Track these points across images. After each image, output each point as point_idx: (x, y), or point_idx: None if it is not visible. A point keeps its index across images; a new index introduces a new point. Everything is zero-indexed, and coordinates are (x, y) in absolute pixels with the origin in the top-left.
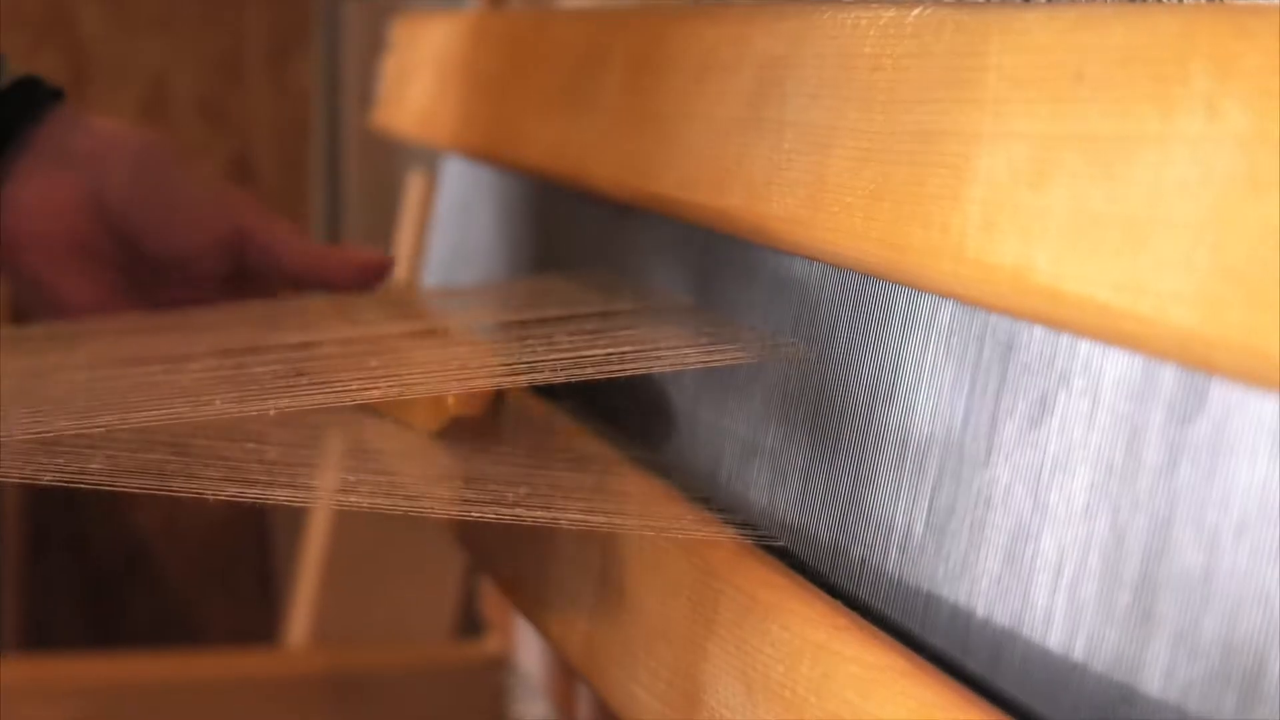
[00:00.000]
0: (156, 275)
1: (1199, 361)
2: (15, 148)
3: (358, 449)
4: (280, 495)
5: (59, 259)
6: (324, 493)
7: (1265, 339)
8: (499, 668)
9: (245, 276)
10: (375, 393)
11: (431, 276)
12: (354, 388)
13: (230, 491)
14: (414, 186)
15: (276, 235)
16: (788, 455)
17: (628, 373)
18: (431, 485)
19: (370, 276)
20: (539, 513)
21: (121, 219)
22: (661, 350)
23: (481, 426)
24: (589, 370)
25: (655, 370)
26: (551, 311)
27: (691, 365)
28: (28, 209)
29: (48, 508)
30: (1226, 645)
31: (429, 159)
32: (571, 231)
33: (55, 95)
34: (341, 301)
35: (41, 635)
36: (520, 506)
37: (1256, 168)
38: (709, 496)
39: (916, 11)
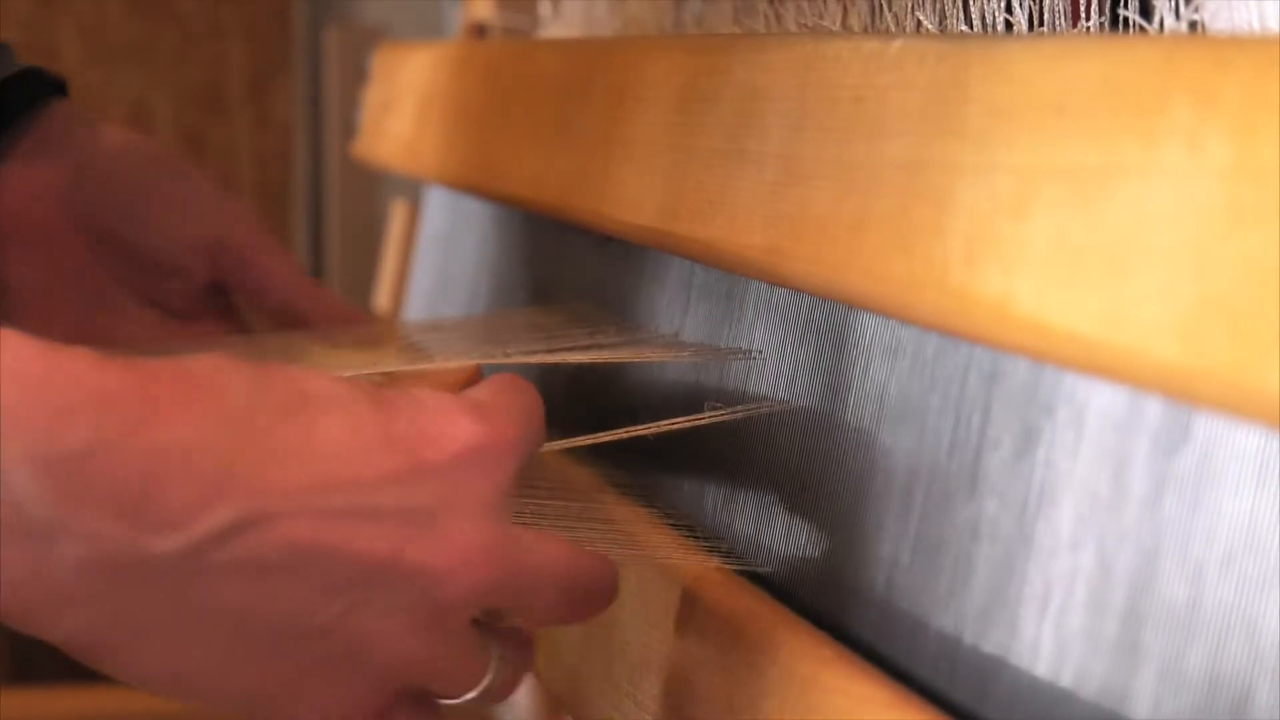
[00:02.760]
0: (130, 275)
1: (1181, 393)
2: (12, 132)
3: None
4: None
5: (20, 239)
6: None
7: (1247, 371)
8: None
9: (221, 294)
10: None
11: (414, 307)
12: None
13: None
14: (397, 216)
15: (262, 256)
16: (774, 485)
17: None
18: None
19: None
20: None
21: (100, 210)
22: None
23: None
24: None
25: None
26: (538, 345)
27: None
28: (5, 188)
29: None
30: (1213, 677)
31: (412, 189)
32: (554, 263)
33: (58, 88)
34: (316, 338)
35: (26, 667)
36: None
37: (1237, 199)
38: (694, 524)
39: (898, 43)
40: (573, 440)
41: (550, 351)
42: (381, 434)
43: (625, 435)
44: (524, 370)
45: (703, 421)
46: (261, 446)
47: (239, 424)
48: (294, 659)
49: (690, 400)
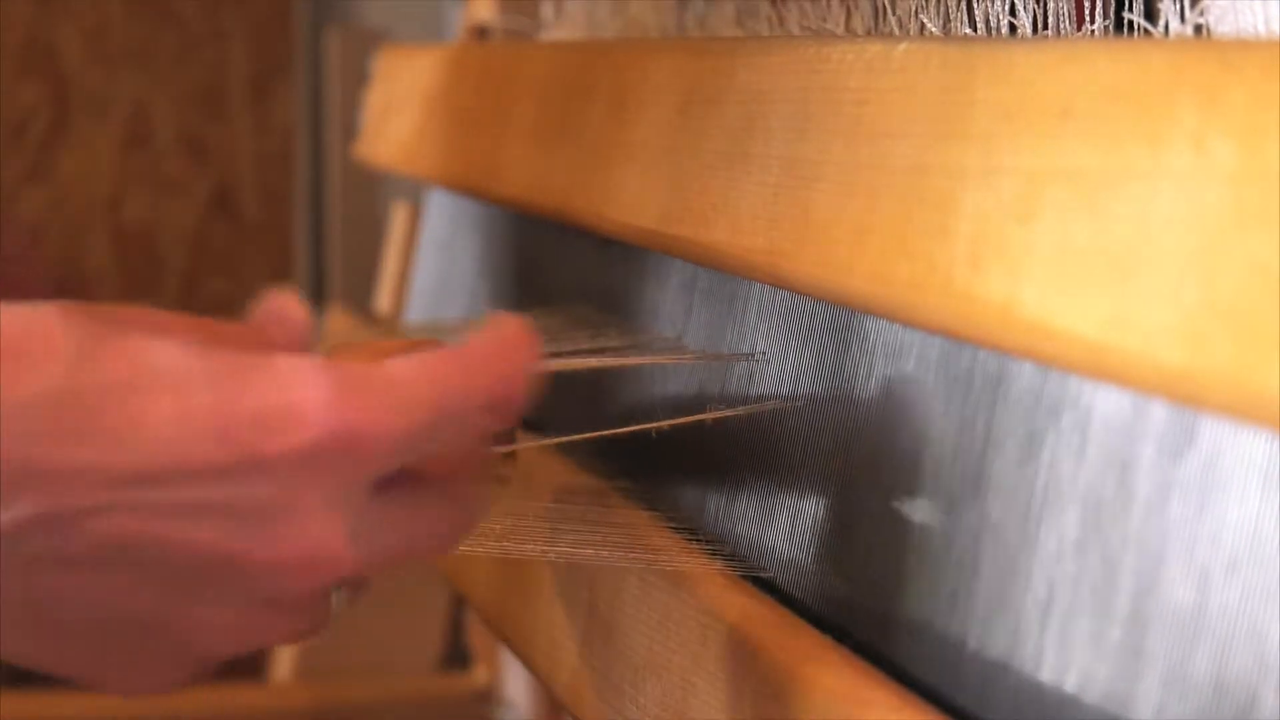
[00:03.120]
0: None
1: (1187, 397)
2: None
3: None
4: None
5: None
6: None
7: (1253, 375)
8: (486, 700)
9: None
10: None
11: (415, 309)
12: None
13: None
14: (398, 218)
15: None
16: (776, 488)
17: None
18: None
19: None
20: (526, 547)
21: None
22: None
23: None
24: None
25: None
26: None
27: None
28: None
29: None
30: (1218, 683)
31: (413, 190)
32: (556, 265)
33: None
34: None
35: (21, 670)
36: (507, 540)
37: (1243, 203)
38: (696, 528)
39: (903, 46)
40: (572, 436)
41: (554, 356)
42: (218, 421)
43: (627, 432)
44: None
45: (706, 420)
46: (79, 429)
47: (55, 402)
48: (113, 644)
49: (693, 402)
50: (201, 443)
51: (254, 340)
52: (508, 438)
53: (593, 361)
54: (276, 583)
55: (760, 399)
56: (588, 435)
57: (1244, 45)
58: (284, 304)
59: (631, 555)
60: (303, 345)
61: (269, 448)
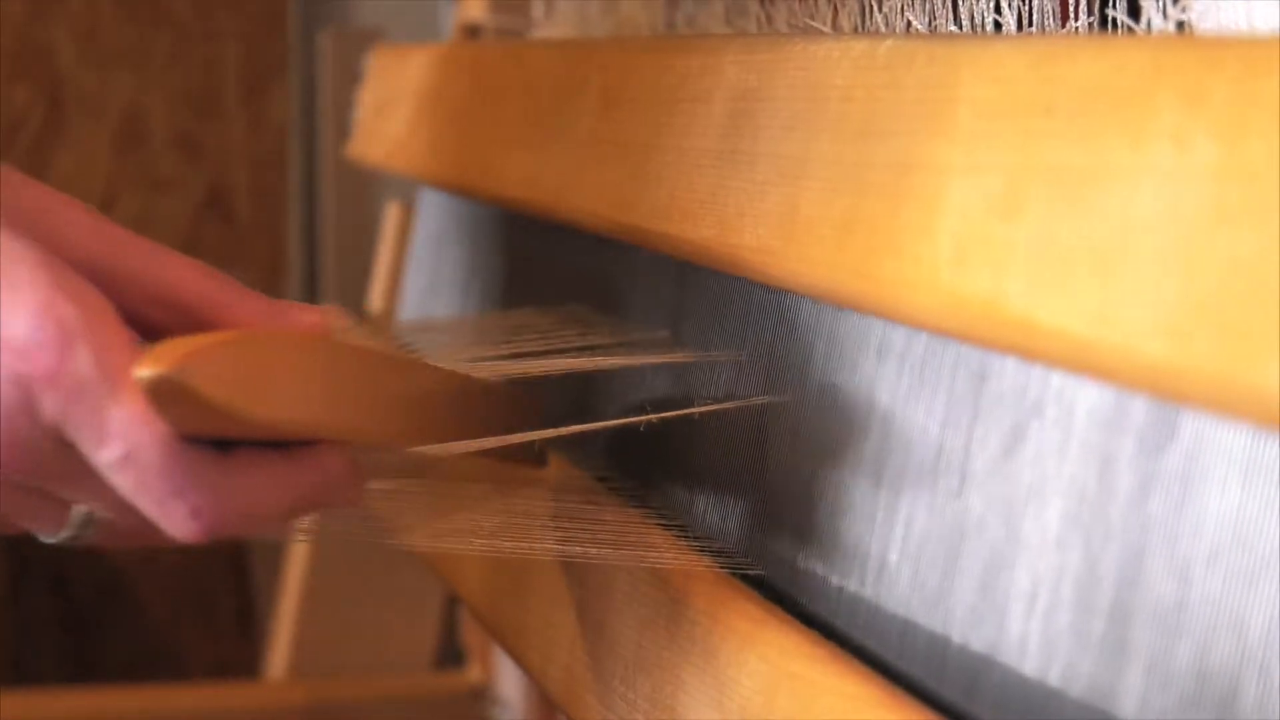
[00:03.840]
0: None
1: (1169, 392)
2: None
3: None
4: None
5: None
6: (300, 525)
7: (1234, 370)
8: (480, 698)
9: None
10: None
11: (408, 308)
12: None
13: None
14: (391, 217)
15: None
16: (764, 485)
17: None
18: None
19: None
20: (516, 544)
21: None
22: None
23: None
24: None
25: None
26: (527, 347)
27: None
28: None
29: (27, 543)
30: (1200, 673)
31: (406, 189)
32: (548, 263)
33: None
34: None
35: (21, 670)
36: (497, 538)
37: (1224, 200)
38: (685, 525)
39: (888, 43)
40: (563, 429)
41: (543, 355)
42: None
43: (616, 425)
44: (517, 378)
45: (693, 414)
46: None
47: None
48: None
49: (680, 398)
50: None
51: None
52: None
53: (579, 364)
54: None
55: (746, 395)
56: (570, 430)
57: (1224, 42)
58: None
59: (621, 551)
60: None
61: None
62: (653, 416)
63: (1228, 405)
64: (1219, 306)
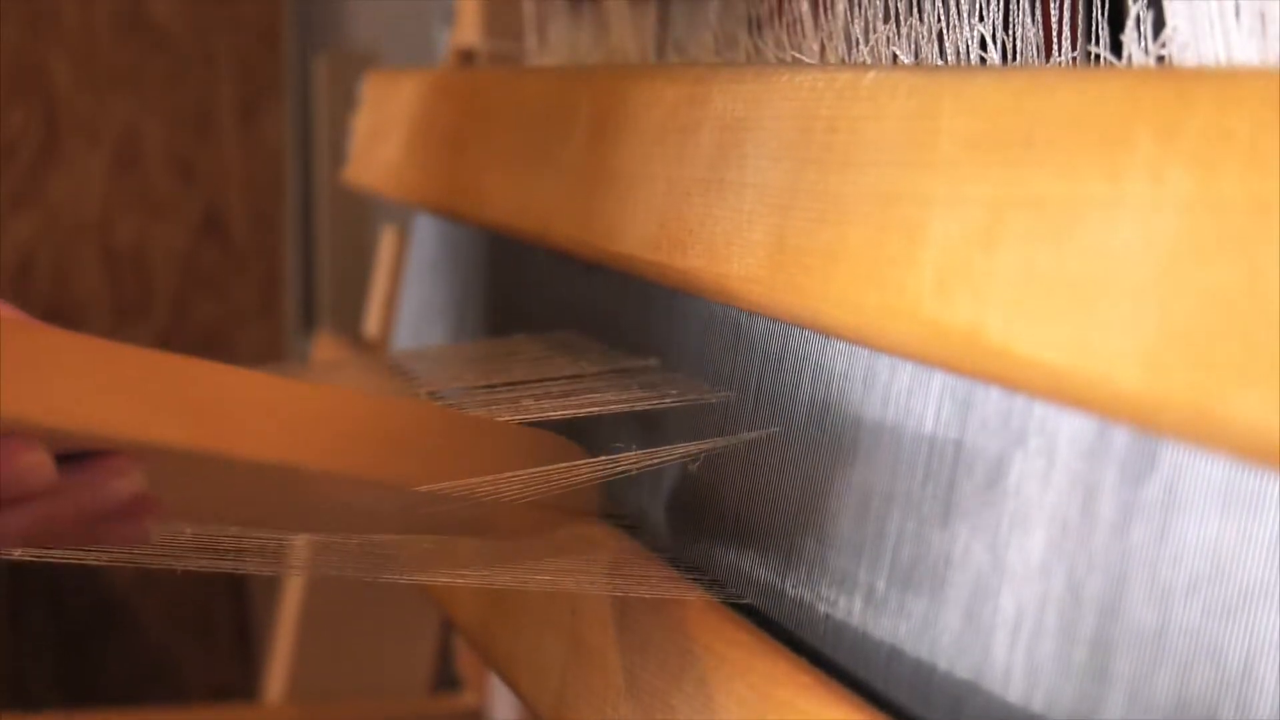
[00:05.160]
0: None
1: (1146, 422)
2: None
3: None
4: (251, 564)
5: None
6: (297, 557)
7: (1210, 401)
8: None
9: None
10: None
11: (403, 332)
12: None
13: (202, 563)
14: (386, 242)
15: None
16: (753, 516)
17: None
18: (399, 548)
19: None
20: (508, 577)
21: None
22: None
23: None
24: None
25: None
26: (518, 375)
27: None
28: None
29: (25, 564)
30: (1180, 701)
31: (401, 213)
32: (540, 289)
33: None
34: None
35: (18, 692)
36: (488, 570)
37: (1199, 232)
38: (677, 555)
39: (871, 75)
40: (555, 467)
41: (532, 399)
42: None
43: (610, 475)
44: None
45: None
46: None
47: None
48: None
49: (670, 431)
50: None
51: None
52: None
53: (569, 408)
54: None
55: (735, 427)
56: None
57: (1199, 75)
58: None
59: (615, 580)
60: None
61: None
62: (635, 464)
63: (1204, 435)
64: (1194, 338)
